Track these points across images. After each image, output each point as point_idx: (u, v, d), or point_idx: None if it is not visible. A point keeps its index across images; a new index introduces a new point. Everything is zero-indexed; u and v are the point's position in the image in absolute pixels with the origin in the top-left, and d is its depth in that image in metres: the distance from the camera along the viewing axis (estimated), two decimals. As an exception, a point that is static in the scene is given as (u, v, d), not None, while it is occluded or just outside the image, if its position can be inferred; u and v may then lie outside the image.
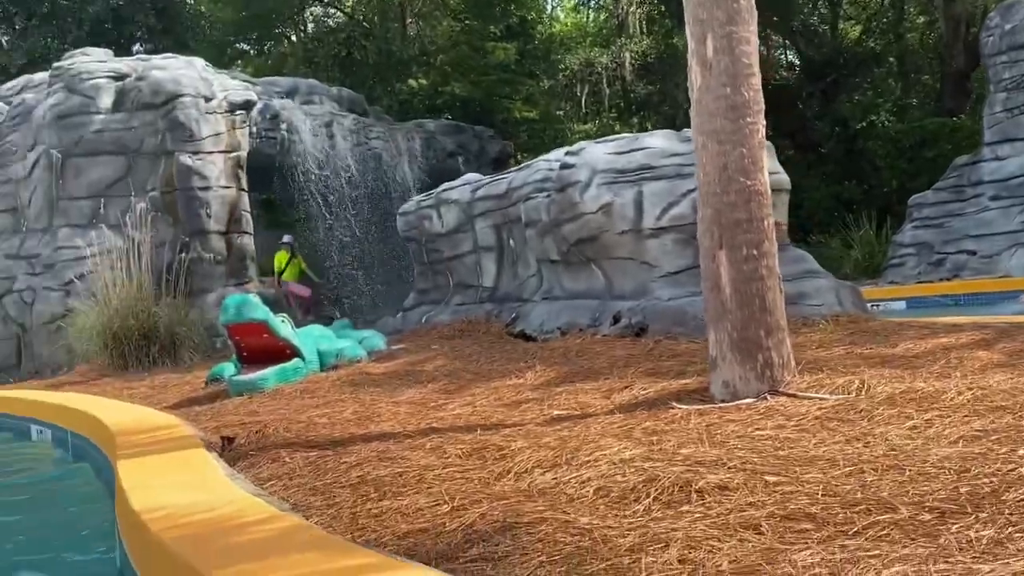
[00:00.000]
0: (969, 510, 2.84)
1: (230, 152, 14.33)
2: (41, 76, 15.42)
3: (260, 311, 8.32)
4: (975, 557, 2.42)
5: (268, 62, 28.67)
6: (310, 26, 30.61)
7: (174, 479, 4.11)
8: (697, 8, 5.64)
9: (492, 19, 29.43)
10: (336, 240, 16.52)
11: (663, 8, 27.35)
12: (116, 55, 16.04)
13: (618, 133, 26.58)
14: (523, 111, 29.22)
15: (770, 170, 8.98)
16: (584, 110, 32.50)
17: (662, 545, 2.75)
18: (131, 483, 4.05)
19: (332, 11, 30.61)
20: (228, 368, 8.87)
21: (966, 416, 4.46)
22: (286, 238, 15.29)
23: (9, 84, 16.04)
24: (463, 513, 3.39)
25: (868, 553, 2.52)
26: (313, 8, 30.38)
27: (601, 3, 32.49)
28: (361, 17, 28.22)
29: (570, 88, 32.57)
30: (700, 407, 5.40)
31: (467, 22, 30.05)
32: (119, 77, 14.29)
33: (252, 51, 32.05)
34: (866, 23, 29.55)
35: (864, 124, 24.50)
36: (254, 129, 15.08)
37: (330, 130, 16.41)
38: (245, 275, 14.40)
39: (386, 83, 25.72)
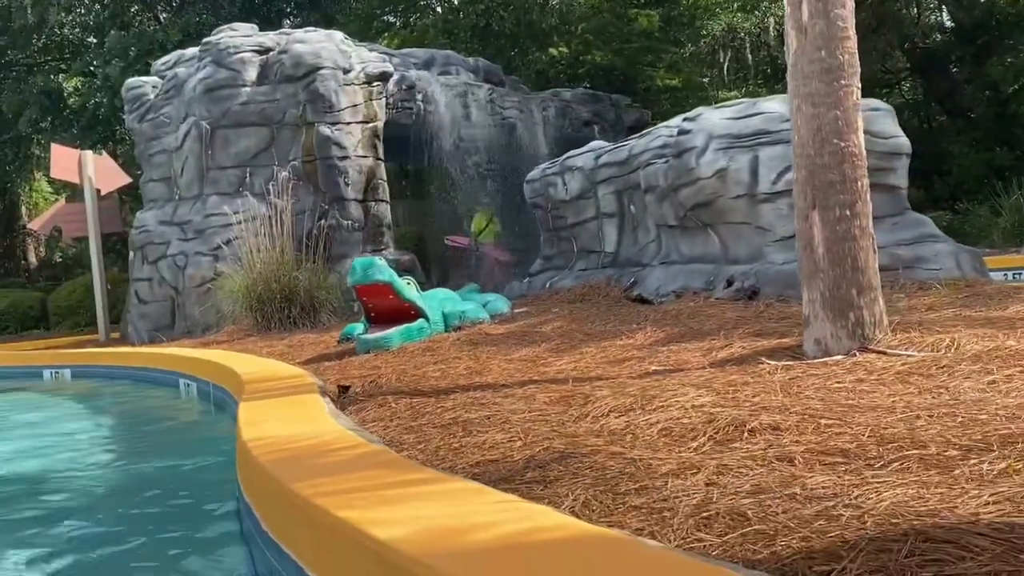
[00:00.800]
0: (995, 449, 2.98)
1: (367, 122, 14.92)
2: (192, 51, 16.28)
3: (385, 273, 8.79)
4: (975, 484, 2.59)
5: (412, 33, 29.38)
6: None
7: (284, 416, 4.57)
8: (792, -27, 5.73)
9: (636, -15, 29.33)
10: (470, 208, 17.00)
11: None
12: (267, 30, 16.83)
13: (759, 95, 26.27)
14: (665, 79, 29.02)
15: (891, 134, 9.02)
16: (730, 76, 32.06)
17: (695, 471, 3.00)
18: (246, 419, 4.54)
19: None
20: (358, 328, 9.39)
21: (1049, 373, 4.51)
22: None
23: (163, 59, 16.98)
24: (532, 447, 3.72)
25: (878, 479, 2.72)
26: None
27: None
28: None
29: (713, 55, 32.20)
30: (789, 363, 5.57)
31: (611, -11, 30.06)
32: (263, 51, 15.04)
33: (398, 23, 32.84)
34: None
35: (1016, 88, 23.45)
36: (390, 100, 15.62)
37: (465, 100, 16.83)
38: (382, 241, 15.00)
39: (525, 53, 26.02)
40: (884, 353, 5.47)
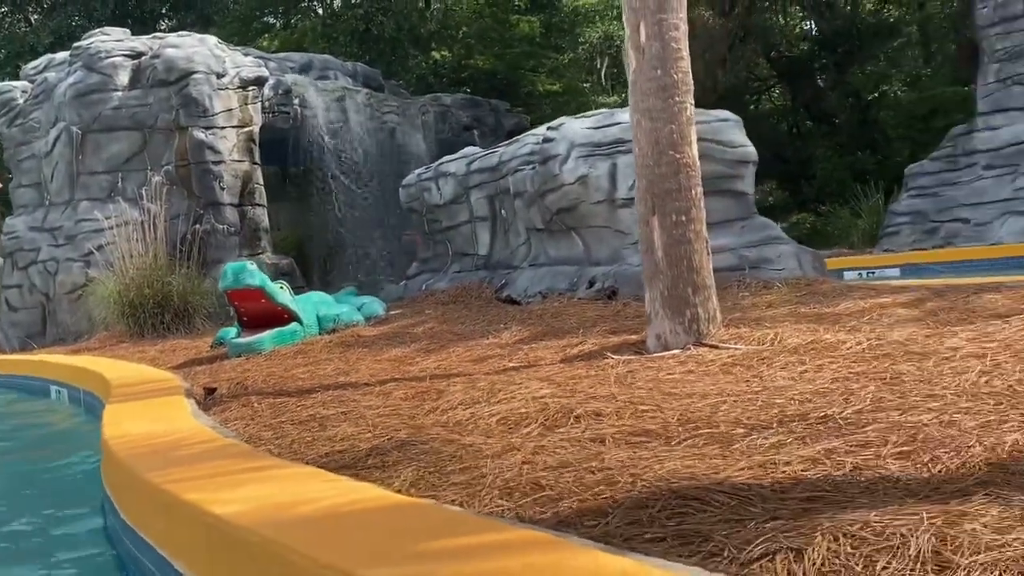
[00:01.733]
0: (773, 427, 3.44)
1: (242, 127, 14.99)
2: (62, 55, 16.09)
3: (257, 277, 8.98)
4: (743, 455, 3.03)
5: (293, 35, 29.29)
6: (338, 1, 31.17)
7: (147, 417, 4.81)
8: (631, -3, 6.19)
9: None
10: (349, 211, 17.19)
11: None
12: (141, 32, 16.72)
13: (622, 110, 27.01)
14: (547, 84, 29.60)
15: (739, 143, 9.61)
16: (609, 83, 32.83)
17: (515, 452, 3.38)
18: (109, 420, 4.77)
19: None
20: (231, 332, 9.55)
21: (851, 362, 5.03)
22: None
23: (33, 63, 16.73)
24: (379, 438, 4.05)
25: (666, 453, 3.14)
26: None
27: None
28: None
29: (591, 62, 32.93)
30: (632, 357, 6.02)
31: (491, -6, 30.50)
32: (135, 56, 14.97)
33: (278, 24, 32.63)
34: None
35: (876, 95, 24.74)
36: (266, 104, 15.72)
37: (343, 104, 17.02)
38: (259, 246, 15.10)
39: (406, 57, 26.25)
40: (716, 347, 5.97)
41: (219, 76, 14.77)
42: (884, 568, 1.88)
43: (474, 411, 4.48)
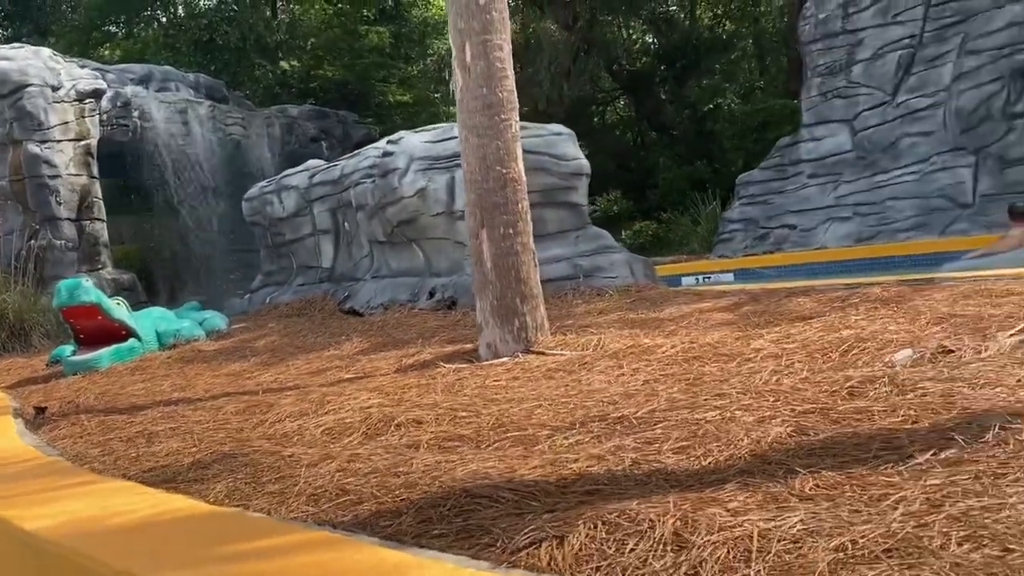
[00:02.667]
0: (576, 428, 3.69)
1: (79, 140, 14.62)
2: None
3: (92, 294, 8.82)
4: (539, 455, 3.26)
5: (136, 45, 28.55)
6: (180, 8, 30.51)
7: (-31, 436, 4.76)
8: (457, 19, 6.42)
9: (366, 2, 29.83)
10: (192, 224, 16.92)
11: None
12: (-28, 42, 16.11)
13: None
14: (397, 95, 29.70)
15: (573, 156, 9.97)
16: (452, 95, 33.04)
17: (331, 461, 3.53)
18: (-70, 440, 4.69)
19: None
20: (67, 350, 9.34)
21: (664, 365, 5.35)
22: None
23: None
24: (203, 452, 4.13)
25: (472, 456, 3.35)
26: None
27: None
28: (233, 1, 28.24)
29: (440, 72, 33.17)
30: (463, 365, 6.23)
31: (340, 5, 30.39)
32: (-35, 68, 14.46)
33: (120, 33, 31.73)
34: (725, 6, 30.89)
35: (711, 107, 25.76)
36: (105, 117, 15.36)
37: (184, 116, 16.77)
38: (99, 261, 14.74)
39: (252, 67, 25.93)
40: (543, 353, 6.24)
41: (54, 89, 14.37)
42: (632, 550, 2.12)
43: (301, 423, 4.59)
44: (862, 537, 2.01)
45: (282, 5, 30.35)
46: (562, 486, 2.75)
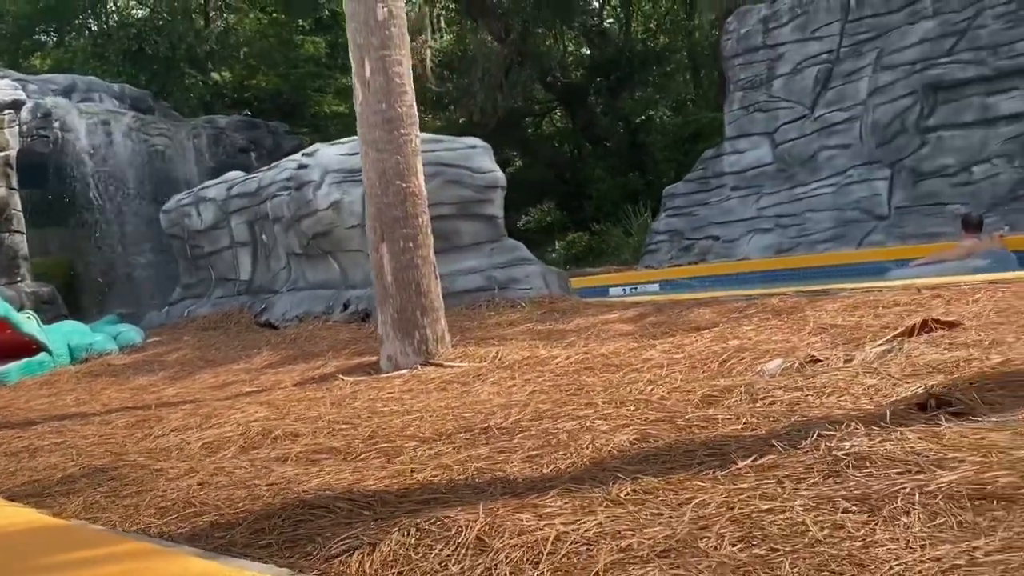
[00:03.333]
0: (442, 439, 3.77)
1: (-3, 152, 14.44)
2: None
3: (0, 308, 8.74)
4: (398, 465, 3.34)
5: (67, 54, 28.14)
6: (113, 17, 30.10)
7: None
8: (356, 34, 6.50)
9: (301, 12, 29.68)
10: (114, 237, 16.74)
11: (459, 6, 28.28)
12: None
13: (432, 126, 27.47)
14: (333, 105, 29.60)
15: (488, 169, 10.06)
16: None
17: (195, 474, 3.58)
18: None
19: (131, 2, 30.33)
20: (-24, 364, 9.22)
21: (555, 376, 5.45)
22: None
23: None
24: (78, 466, 4.15)
25: (333, 467, 3.41)
26: (117, 0, 29.98)
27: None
28: (164, 10, 27.93)
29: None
30: (362, 378, 6.29)
31: (275, 15, 30.24)
32: None
33: (51, 43, 31.26)
34: (659, 21, 31.27)
35: (644, 119, 26.07)
36: (24, 128, 15.17)
37: (108, 128, 16.58)
38: (17, 273, 14.54)
39: (181, 78, 25.71)
40: (441, 365, 6.32)
41: (-30, 99, 14.17)
42: (436, 555, 2.21)
43: (184, 437, 4.62)
44: (648, 539, 2.11)
45: (215, 15, 30.14)
46: (402, 496, 2.83)
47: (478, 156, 9.96)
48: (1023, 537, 1.89)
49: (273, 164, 11.46)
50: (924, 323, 5.00)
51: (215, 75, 27.54)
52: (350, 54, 6.60)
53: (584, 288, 13.46)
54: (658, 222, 18.31)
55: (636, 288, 16.16)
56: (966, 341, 4.55)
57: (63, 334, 9.86)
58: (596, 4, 29.64)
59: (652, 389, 4.48)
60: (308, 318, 9.86)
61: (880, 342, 4.84)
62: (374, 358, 7.18)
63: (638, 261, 19.70)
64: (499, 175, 10.08)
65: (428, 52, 30.40)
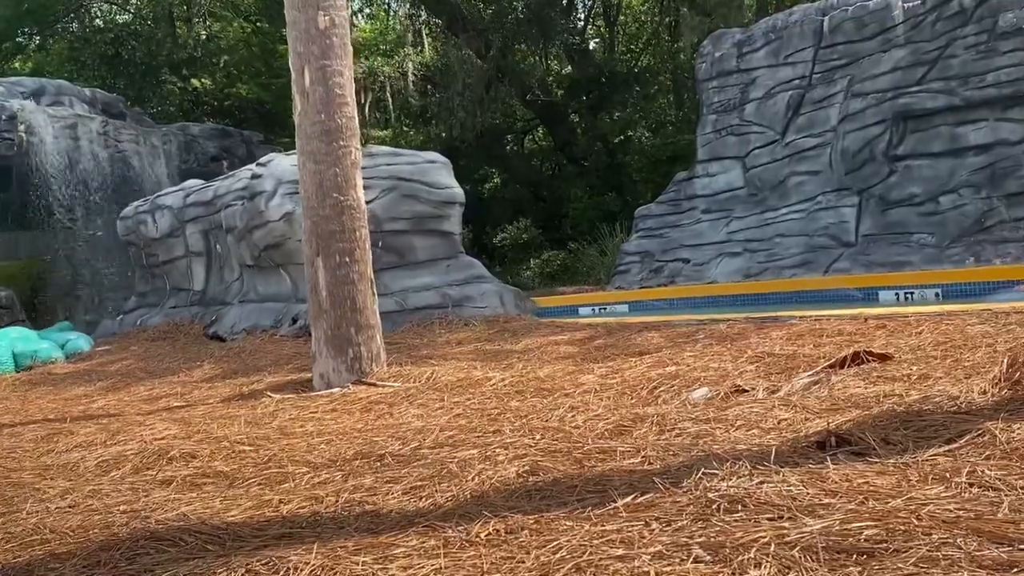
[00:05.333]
0: (336, 466, 3.61)
1: (-42, 154, 14.23)
2: None
3: (-64, 313, 8.55)
4: (278, 494, 3.17)
5: (48, 57, 27.90)
6: (96, 20, 29.88)
7: None
8: (296, 43, 6.35)
9: (284, 21, 29.46)
10: (81, 242, 16.52)
11: (442, 21, 28.20)
12: None
13: (414, 140, 27.33)
14: (314, 116, 29.37)
15: (446, 185, 9.91)
16: (370, 118, 32.97)
17: (69, 495, 3.40)
18: None
19: (114, 7, 30.10)
20: (-86, 370, 9.02)
21: (485, 399, 5.29)
22: None
23: None
24: (-39, 482, 3.96)
25: (211, 494, 3.24)
26: (100, 5, 29.76)
27: (381, 11, 32.96)
28: (147, 16, 27.72)
29: (356, 96, 32.96)
30: (291, 396, 6.12)
31: (258, 23, 30.12)
32: None
33: (32, 45, 31.02)
34: (642, 42, 31.26)
35: (622, 139, 26.01)
36: (-12, 131, 14.98)
37: (75, 132, 16.37)
38: (-26, 277, 14.31)
39: (159, 84, 25.54)
40: (374, 385, 6.15)
41: (-69, 101, 13.96)
42: (256, 598, 2.05)
43: (85, 454, 4.45)
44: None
45: (198, 22, 29.98)
46: (259, 529, 2.67)
47: (436, 171, 9.83)
48: (870, 599, 1.74)
49: (230, 173, 11.30)
50: (856, 355, 4.88)
51: (195, 82, 27.38)
52: (290, 63, 6.45)
53: (554, 307, 13.34)
54: (629, 243, 18.17)
55: (605, 308, 16.04)
56: (894, 375, 4.43)
57: (9, 340, 9.67)
58: (580, 23, 29.62)
59: (572, 416, 4.33)
60: (256, 331, 9.68)
61: (809, 373, 4.70)
62: (307, 374, 7.02)
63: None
64: (457, 191, 9.95)
65: (410, 65, 30.37)
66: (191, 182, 12.37)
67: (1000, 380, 3.72)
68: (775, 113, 15.62)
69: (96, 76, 23.41)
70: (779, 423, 3.52)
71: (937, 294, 10.98)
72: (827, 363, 4.87)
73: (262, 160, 10.36)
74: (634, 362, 6.12)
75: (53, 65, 24.97)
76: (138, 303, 12.88)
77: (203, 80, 27.79)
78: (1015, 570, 1.78)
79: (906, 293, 11.44)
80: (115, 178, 17.03)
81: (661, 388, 4.93)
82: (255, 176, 9.93)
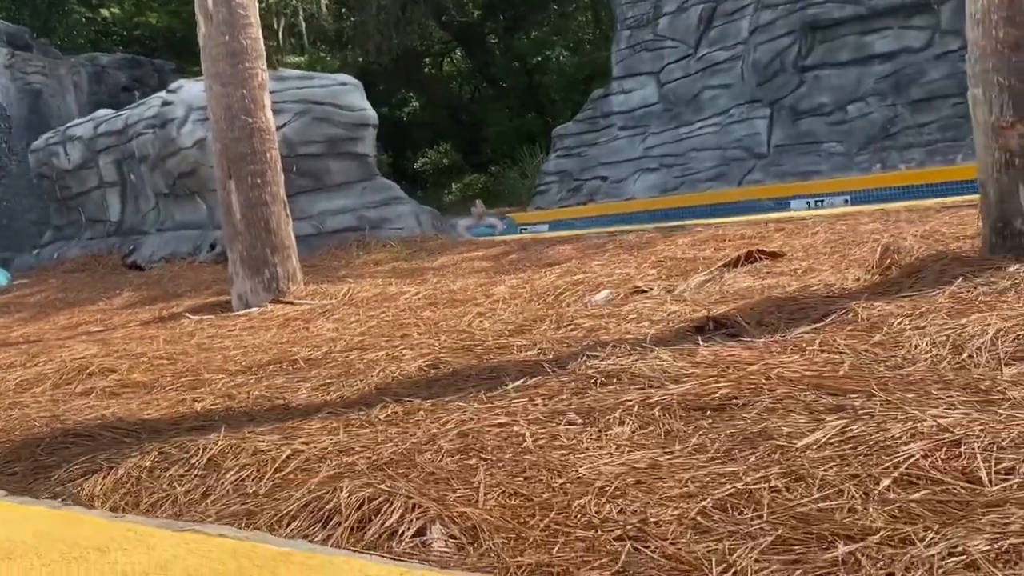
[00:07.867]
0: (249, 372, 3.77)
1: None
2: None
3: None
4: (193, 396, 3.33)
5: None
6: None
7: None
8: (197, -36, 6.32)
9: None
10: None
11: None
12: None
13: (331, 64, 26.89)
14: (227, 44, 28.76)
15: (358, 107, 9.94)
16: (285, 44, 32.36)
17: (-10, 409, 3.52)
18: None
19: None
20: None
21: (399, 311, 5.45)
22: None
23: None
24: None
25: (130, 399, 3.39)
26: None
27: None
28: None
29: (270, 20, 32.30)
30: (208, 317, 6.22)
31: (168, -53, 29.23)
32: None
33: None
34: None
35: (540, 59, 25.97)
36: None
37: (-22, 65, 15.94)
38: None
39: (66, 15, 24.74)
40: (291, 303, 6.28)
41: None
42: (168, 475, 2.23)
43: (4, 375, 4.54)
44: (375, 455, 2.17)
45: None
46: (173, 424, 2.84)
47: (348, 93, 9.85)
48: (715, 441, 1.97)
49: (140, 101, 11.16)
50: (749, 254, 5.15)
51: (103, 11, 26.57)
52: (193, -15, 6.42)
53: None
54: (548, 163, 18.34)
55: (526, 228, 16.23)
56: (783, 270, 4.70)
57: (-80, 277, 9.57)
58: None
59: (479, 322, 4.52)
60: (175, 259, 9.71)
61: (704, 273, 4.96)
62: (226, 297, 7.12)
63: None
64: (370, 113, 9.99)
65: (321, -10, 29.81)
66: (101, 112, 12.18)
67: (872, 267, 4.01)
68: (688, 27, 15.79)
69: (0, 8, 22.60)
70: (668, 316, 3.75)
71: (846, 200, 11.36)
72: (722, 263, 5.13)
73: (172, 87, 10.27)
74: (544, 272, 6.33)
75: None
76: (54, 236, 12.74)
77: (112, 9, 26.95)
78: (840, 414, 2.03)
79: (816, 201, 11.82)
80: (23, 111, 16.63)
81: (566, 293, 5.14)
82: (166, 103, 9.85)
